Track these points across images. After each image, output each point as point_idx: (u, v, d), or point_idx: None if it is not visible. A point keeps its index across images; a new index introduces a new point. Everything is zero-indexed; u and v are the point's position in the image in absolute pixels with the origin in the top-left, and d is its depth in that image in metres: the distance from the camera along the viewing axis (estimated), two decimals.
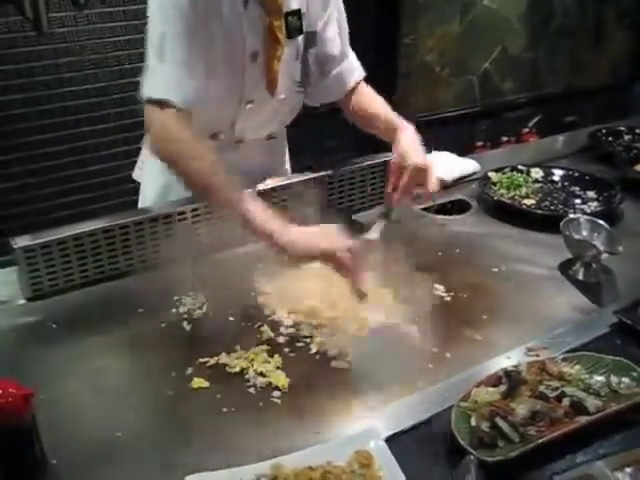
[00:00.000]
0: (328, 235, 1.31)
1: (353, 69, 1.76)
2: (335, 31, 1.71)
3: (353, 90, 1.74)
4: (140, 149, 1.88)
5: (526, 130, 4.38)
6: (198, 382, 1.21)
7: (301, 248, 1.29)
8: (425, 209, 1.89)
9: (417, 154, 1.52)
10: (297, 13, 1.59)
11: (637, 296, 1.36)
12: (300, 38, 1.63)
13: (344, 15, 1.73)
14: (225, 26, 1.48)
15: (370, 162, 1.88)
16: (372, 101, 1.74)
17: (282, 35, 1.56)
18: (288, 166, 1.97)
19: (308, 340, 1.32)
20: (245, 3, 1.50)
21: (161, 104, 1.42)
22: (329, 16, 1.68)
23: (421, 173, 1.50)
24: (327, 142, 3.58)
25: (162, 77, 1.43)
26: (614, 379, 1.14)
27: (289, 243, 1.29)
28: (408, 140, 1.55)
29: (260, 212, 1.34)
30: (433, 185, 1.51)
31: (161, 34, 1.42)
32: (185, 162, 1.42)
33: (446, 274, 1.54)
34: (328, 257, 1.28)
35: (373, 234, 1.48)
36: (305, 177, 1.78)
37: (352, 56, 1.78)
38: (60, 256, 1.47)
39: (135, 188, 1.90)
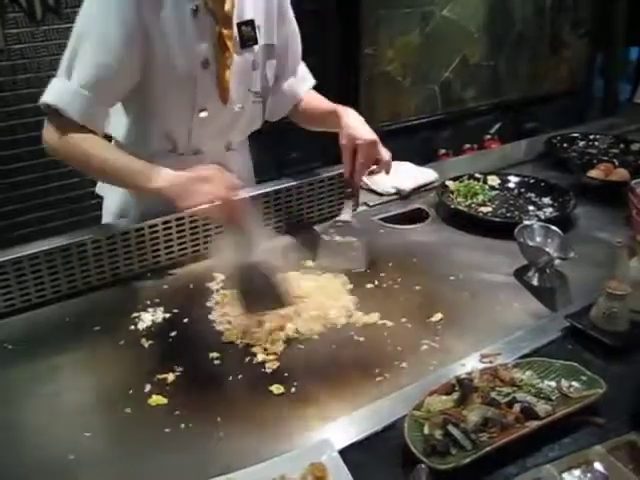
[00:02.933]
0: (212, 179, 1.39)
1: (304, 80, 1.84)
2: (291, 44, 1.77)
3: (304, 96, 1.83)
4: None
5: (488, 137, 4.45)
6: (156, 399, 1.21)
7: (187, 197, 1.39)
8: (383, 219, 1.91)
9: (364, 130, 1.60)
10: (250, 23, 1.62)
11: (589, 300, 1.38)
12: (257, 48, 1.65)
13: (297, 28, 1.78)
14: (172, 35, 1.50)
15: (332, 173, 1.90)
16: (314, 99, 1.83)
17: (232, 44, 1.59)
18: (252, 177, 1.98)
19: (263, 354, 1.32)
20: (194, 12, 1.52)
21: (57, 112, 1.46)
22: (286, 29, 1.73)
23: (373, 147, 1.58)
24: (292, 153, 3.61)
25: (63, 91, 1.47)
26: (564, 383, 1.16)
27: (168, 190, 1.42)
28: (352, 120, 1.64)
29: (134, 165, 1.46)
30: (387, 155, 1.61)
31: (73, 50, 1.46)
32: (73, 154, 1.51)
33: (403, 283, 1.56)
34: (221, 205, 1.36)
35: (345, 215, 1.64)
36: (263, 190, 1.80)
37: (302, 67, 1.85)
38: (15, 276, 1.46)
39: (99, 203, 1.89)
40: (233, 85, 1.63)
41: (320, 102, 1.83)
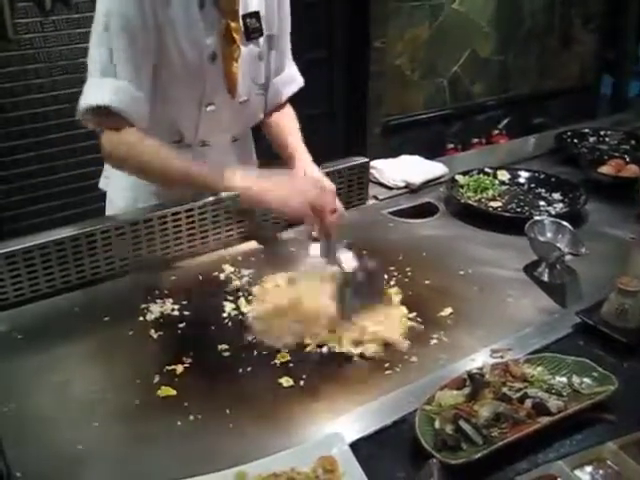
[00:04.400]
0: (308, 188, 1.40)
1: (290, 82, 1.81)
2: (285, 39, 1.76)
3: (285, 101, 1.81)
4: None
5: (496, 132, 4.43)
6: (165, 390, 1.21)
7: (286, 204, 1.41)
8: (392, 213, 1.90)
9: (324, 180, 1.61)
10: (255, 15, 1.62)
11: (600, 297, 1.37)
12: (262, 40, 1.65)
13: (289, 23, 1.76)
14: (181, 29, 1.50)
15: (341, 166, 1.90)
16: (284, 119, 1.81)
17: (239, 36, 1.59)
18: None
19: (273, 346, 1.31)
20: (201, 5, 1.52)
21: (108, 112, 1.46)
22: (281, 21, 1.72)
23: (334, 196, 1.51)
24: None
25: (112, 89, 1.46)
26: (576, 379, 1.15)
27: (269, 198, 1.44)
28: (311, 169, 1.65)
29: (218, 172, 1.49)
30: (341, 207, 1.53)
31: (108, 49, 1.45)
32: (136, 158, 1.52)
33: (413, 277, 1.56)
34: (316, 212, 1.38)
35: (348, 263, 1.41)
36: None
37: (291, 68, 1.83)
38: (25, 265, 1.46)
39: (104, 195, 1.89)
40: (240, 77, 1.63)
41: (285, 130, 1.78)
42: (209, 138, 1.70)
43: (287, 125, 1.80)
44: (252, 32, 1.61)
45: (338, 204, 1.50)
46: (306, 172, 1.63)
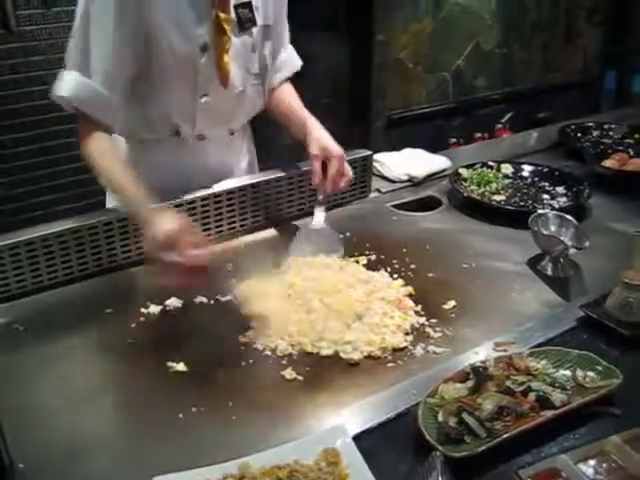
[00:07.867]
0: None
1: (281, 69, 1.81)
2: (281, 27, 1.77)
3: (278, 86, 1.82)
4: None
5: (499, 126, 4.42)
6: (167, 383, 1.20)
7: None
8: (395, 206, 1.90)
9: (335, 146, 1.64)
10: (248, 5, 1.60)
11: (604, 290, 1.37)
12: (255, 30, 1.64)
13: (285, 11, 1.77)
14: (170, 20, 1.49)
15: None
16: (288, 97, 1.82)
17: (230, 27, 1.57)
18: (254, 163, 1.97)
19: (277, 339, 1.31)
20: None
21: (73, 106, 1.47)
22: (278, 12, 1.72)
23: (342, 162, 1.63)
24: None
25: (90, 94, 1.46)
26: (580, 373, 1.15)
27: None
28: (324, 134, 1.67)
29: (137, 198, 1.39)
30: (350, 172, 1.66)
31: (84, 45, 1.45)
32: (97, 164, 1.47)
33: (416, 270, 1.55)
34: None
35: (319, 223, 1.66)
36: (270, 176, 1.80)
37: (283, 54, 1.82)
38: (28, 257, 1.46)
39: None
40: (233, 68, 1.62)
41: (292, 105, 1.80)
42: (206, 131, 1.68)
43: (287, 93, 1.82)
44: (245, 22, 1.60)
45: (348, 169, 1.65)
46: (323, 136, 1.65)
